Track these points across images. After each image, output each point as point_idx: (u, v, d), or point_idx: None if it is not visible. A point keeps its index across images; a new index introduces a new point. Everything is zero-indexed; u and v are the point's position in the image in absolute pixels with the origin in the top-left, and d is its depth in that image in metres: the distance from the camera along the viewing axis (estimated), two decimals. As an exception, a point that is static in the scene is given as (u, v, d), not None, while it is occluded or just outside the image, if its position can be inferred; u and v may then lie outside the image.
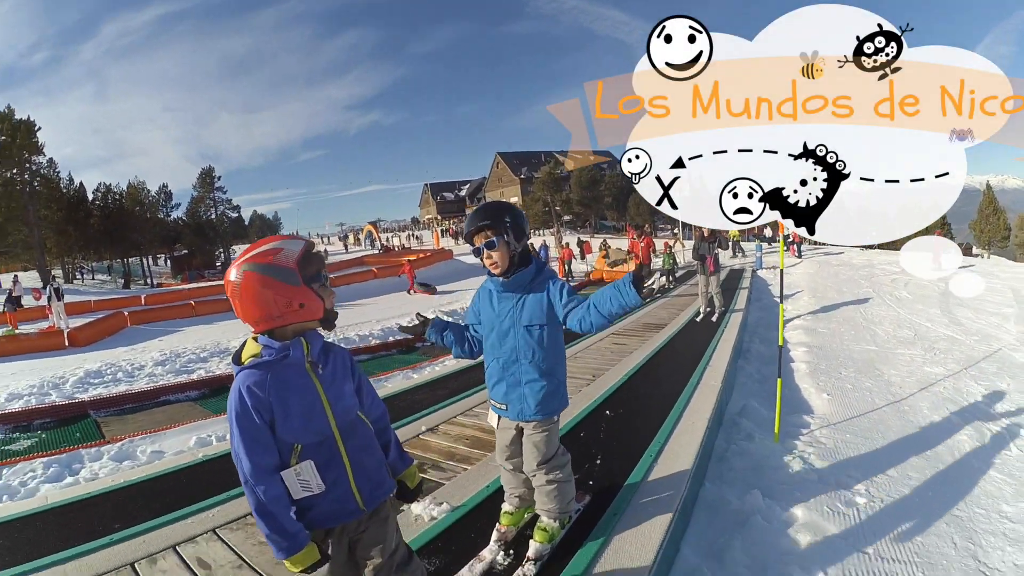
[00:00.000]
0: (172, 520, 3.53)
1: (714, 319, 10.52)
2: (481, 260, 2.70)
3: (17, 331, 18.79)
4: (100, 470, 5.95)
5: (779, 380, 4.96)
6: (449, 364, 9.34)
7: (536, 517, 2.89)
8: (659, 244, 30.60)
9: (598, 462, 3.85)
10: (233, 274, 1.83)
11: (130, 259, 53.55)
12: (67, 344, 15.75)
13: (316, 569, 1.85)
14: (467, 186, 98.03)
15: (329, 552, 1.91)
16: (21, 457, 6.62)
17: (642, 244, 17.07)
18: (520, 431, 2.82)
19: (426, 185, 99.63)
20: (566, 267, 26.90)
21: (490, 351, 2.82)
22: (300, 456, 1.83)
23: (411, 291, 24.64)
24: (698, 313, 11.21)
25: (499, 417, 2.90)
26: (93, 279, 49.18)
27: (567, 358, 2.95)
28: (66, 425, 8.38)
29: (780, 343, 5.28)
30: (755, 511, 3.50)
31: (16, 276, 28.11)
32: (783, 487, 3.92)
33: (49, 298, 20.05)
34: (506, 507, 3.01)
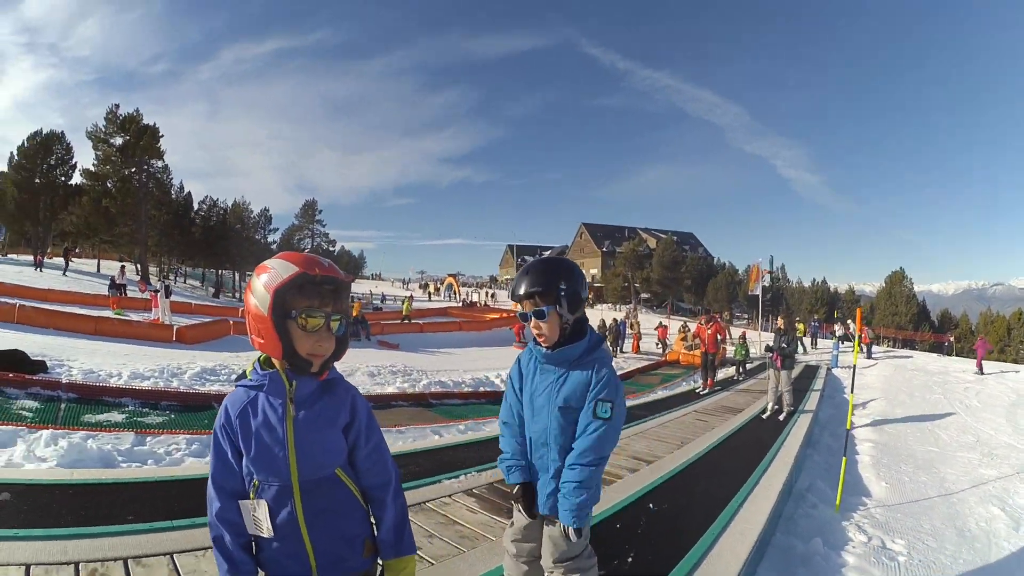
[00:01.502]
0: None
1: (781, 418, 10.31)
2: (527, 327, 2.48)
3: (123, 315, 20.78)
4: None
5: (844, 459, 6.06)
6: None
7: None
8: (736, 332, 31.34)
9: (634, 556, 3.72)
10: None
11: (222, 271, 56.75)
12: (174, 339, 17.47)
13: None
14: (549, 252, 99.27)
15: None
16: (165, 431, 7.40)
17: (709, 331, 16.05)
18: (541, 520, 2.54)
19: (509, 246, 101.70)
20: (661, 344, 28.09)
21: (526, 426, 2.56)
22: (258, 492, 1.74)
23: (517, 344, 26.78)
24: (765, 409, 10.95)
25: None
26: (185, 283, 51.95)
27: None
28: (192, 412, 9.15)
29: (848, 427, 6.38)
30: (816, 553, 4.58)
31: (123, 266, 30.35)
32: (839, 541, 4.96)
33: (157, 292, 22.00)
34: None
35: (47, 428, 6.51)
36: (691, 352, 24.99)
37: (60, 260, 40.06)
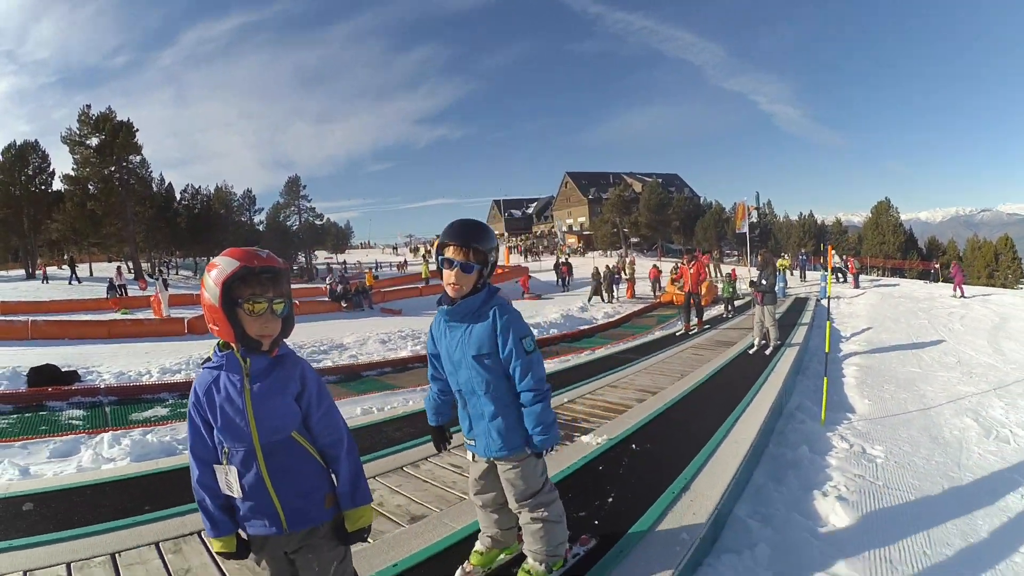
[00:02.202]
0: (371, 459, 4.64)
1: (767, 352, 10.37)
2: (441, 273, 2.57)
3: (130, 314, 21.44)
4: None
5: (825, 379, 6.67)
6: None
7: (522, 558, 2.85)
8: (725, 270, 31.83)
9: (610, 500, 3.77)
10: None
11: (213, 258, 56.95)
12: (186, 331, 17.94)
13: (234, 558, 2.08)
14: (535, 204, 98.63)
15: (254, 555, 2.10)
16: (170, 421, 7.94)
17: (691, 270, 15.31)
18: (493, 465, 2.73)
19: (494, 201, 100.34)
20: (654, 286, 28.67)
21: (452, 382, 2.73)
22: (228, 459, 1.98)
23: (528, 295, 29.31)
24: (751, 346, 11.06)
25: (471, 452, 2.82)
26: (177, 274, 52.03)
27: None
28: None
29: (827, 350, 6.96)
30: (803, 458, 5.18)
31: (119, 266, 31.45)
32: (824, 449, 5.56)
33: (156, 287, 22.83)
34: (477, 546, 2.97)
35: (105, 431, 6.95)
36: (683, 292, 25.25)
37: (52, 270, 41.05)
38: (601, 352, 12.83)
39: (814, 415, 6.72)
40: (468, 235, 2.47)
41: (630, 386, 7.80)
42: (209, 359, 2.04)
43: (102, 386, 9.98)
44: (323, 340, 15.25)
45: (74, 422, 8.21)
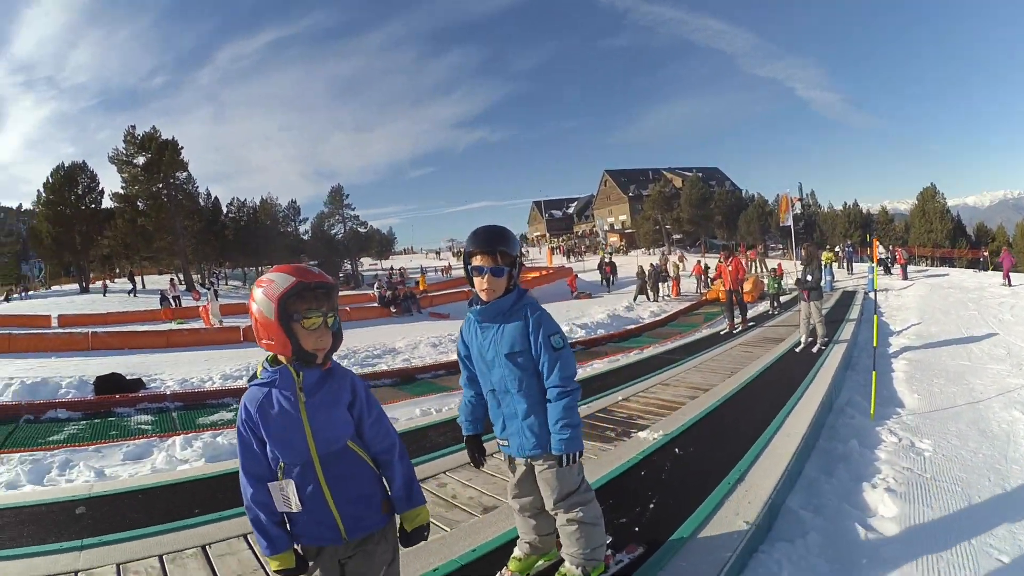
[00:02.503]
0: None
1: (814, 351, 10.21)
2: (471, 279, 2.67)
3: (185, 324, 22.29)
4: None
5: (874, 373, 6.85)
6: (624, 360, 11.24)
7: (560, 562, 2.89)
8: (771, 264, 31.57)
9: (669, 492, 3.98)
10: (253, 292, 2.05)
11: (262, 267, 57.68)
12: (242, 339, 18.45)
13: (292, 574, 2.07)
14: (575, 204, 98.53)
15: (310, 565, 2.11)
16: None
17: (729, 268, 14.94)
18: (530, 468, 2.78)
19: (535, 202, 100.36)
20: (700, 280, 28.68)
21: (483, 382, 2.79)
22: (284, 473, 2.01)
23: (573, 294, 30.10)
24: (798, 343, 10.90)
25: (506, 455, 2.88)
26: (227, 284, 53.26)
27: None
28: None
29: (875, 345, 7.12)
30: (853, 452, 5.40)
31: (173, 279, 32.84)
32: (873, 443, 5.75)
33: (209, 297, 24.11)
34: (516, 552, 3.03)
35: (176, 435, 7.35)
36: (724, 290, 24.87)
37: (102, 284, 43.28)
38: (650, 351, 12.98)
39: (863, 410, 6.89)
40: (493, 241, 2.58)
41: (681, 383, 8.08)
42: (255, 376, 2.09)
43: (168, 392, 10.44)
44: (375, 345, 15.66)
45: (143, 427, 8.64)
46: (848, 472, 4.97)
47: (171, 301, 28.83)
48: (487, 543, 3.39)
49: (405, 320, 24.35)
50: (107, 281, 42.47)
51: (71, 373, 11.68)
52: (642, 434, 5.49)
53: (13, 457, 6.69)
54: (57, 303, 32.16)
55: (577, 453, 2.60)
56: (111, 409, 9.51)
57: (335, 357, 2.21)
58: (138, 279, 44.78)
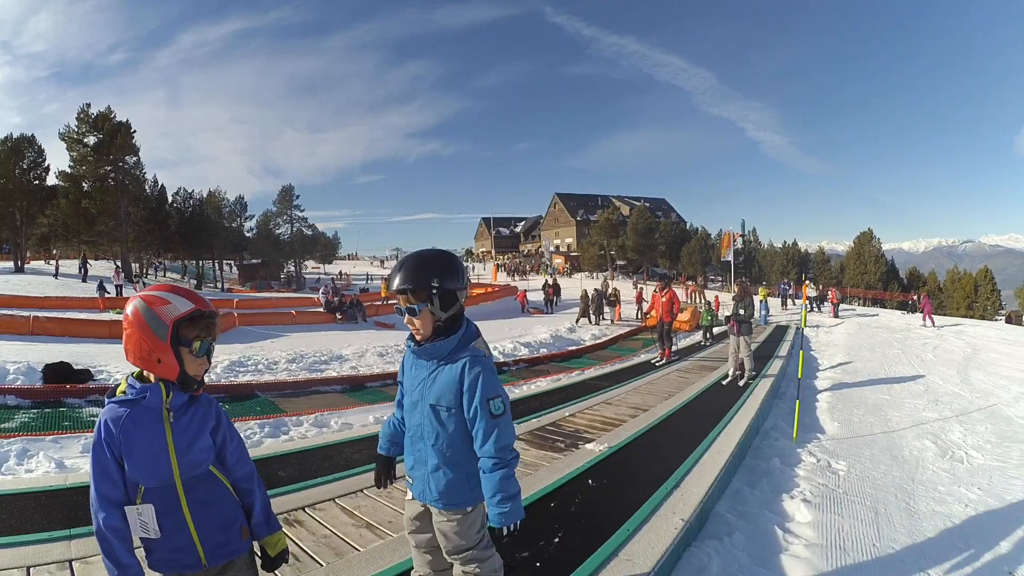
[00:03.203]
0: (300, 488, 4.69)
1: (741, 384, 10.39)
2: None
3: (120, 315, 21.85)
4: (304, 433, 7.81)
5: (797, 401, 7.46)
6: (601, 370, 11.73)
7: None
8: (709, 295, 32.60)
9: (614, 495, 4.40)
10: (131, 303, 1.99)
11: (202, 261, 57.29)
12: None
13: None
14: (523, 223, 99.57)
15: None
16: (241, 417, 8.36)
17: (664, 299, 14.35)
18: (428, 510, 2.60)
19: (483, 219, 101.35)
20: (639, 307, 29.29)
21: (406, 417, 2.61)
22: (143, 497, 1.92)
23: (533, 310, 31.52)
24: (726, 376, 11.02)
25: (409, 490, 2.67)
26: (165, 276, 52.54)
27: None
28: (241, 401, 10.02)
29: (799, 376, 7.74)
30: (775, 469, 5.95)
31: (118, 266, 32.38)
32: (794, 462, 6.32)
33: (138, 289, 23.03)
34: None
35: None
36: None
37: (39, 264, 42.71)
38: (592, 372, 13.47)
39: (787, 434, 7.47)
40: (401, 279, 2.39)
41: (623, 403, 8.57)
42: (115, 392, 2.02)
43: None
44: (322, 350, 15.74)
45: (96, 419, 8.60)
46: (770, 485, 5.51)
47: (107, 289, 28.41)
48: (389, 568, 3.30)
49: (350, 328, 24.31)
50: (59, 262, 40.84)
51: (15, 358, 11.53)
52: (589, 446, 5.94)
53: None
54: None
55: (517, 523, 2.38)
56: (61, 399, 9.38)
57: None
58: (71, 263, 43.49)
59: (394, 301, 2.53)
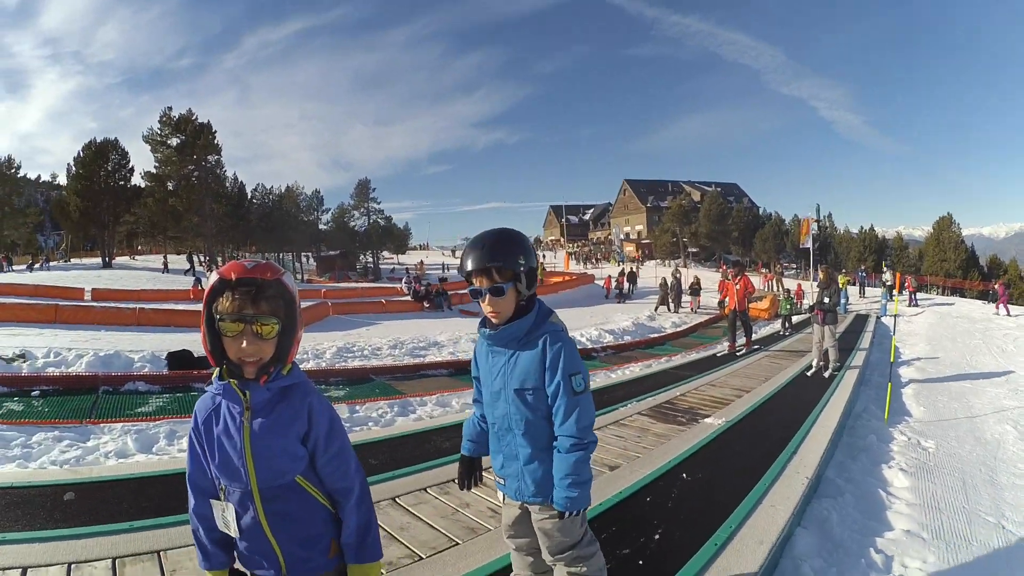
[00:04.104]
0: (390, 478, 4.78)
1: (826, 375, 10.29)
2: (479, 303, 2.33)
3: None
4: (431, 413, 8.45)
5: (889, 384, 8.26)
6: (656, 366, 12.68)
7: None
8: (791, 284, 32.63)
9: (741, 463, 5.17)
10: None
11: (282, 254, 59.32)
12: None
13: None
14: (591, 210, 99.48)
15: None
16: (369, 399, 8.99)
17: (738, 286, 13.85)
18: (526, 511, 2.48)
19: (552, 207, 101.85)
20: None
21: (487, 414, 2.48)
22: (225, 496, 1.79)
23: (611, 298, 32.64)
24: (809, 367, 10.87)
25: (502, 493, 2.56)
26: None
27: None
28: (359, 384, 10.55)
29: (892, 360, 8.52)
30: (871, 445, 6.81)
31: (217, 261, 33.68)
32: (887, 439, 7.15)
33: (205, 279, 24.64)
34: None
35: None
36: (749, 306, 24.22)
37: (125, 260, 46.06)
38: (679, 359, 14.28)
39: (878, 416, 8.26)
40: (484, 256, 2.23)
41: (726, 385, 9.49)
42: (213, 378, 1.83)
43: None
44: (418, 337, 16.58)
45: None
46: (868, 458, 6.38)
47: (202, 283, 29.60)
48: (486, 565, 3.27)
49: (437, 316, 25.39)
50: (166, 258, 43.77)
51: (128, 347, 12.20)
52: (708, 420, 6.92)
53: (115, 427, 7.07)
54: (84, 276, 32.95)
55: (580, 511, 2.30)
56: (189, 384, 9.82)
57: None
58: (157, 258, 46.53)
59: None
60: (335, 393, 9.77)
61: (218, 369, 1.78)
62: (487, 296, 2.25)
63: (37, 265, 41.70)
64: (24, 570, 3.01)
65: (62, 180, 51.29)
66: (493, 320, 2.31)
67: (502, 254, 2.24)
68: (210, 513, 1.84)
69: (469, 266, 2.26)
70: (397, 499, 4.26)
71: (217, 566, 1.88)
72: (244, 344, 1.69)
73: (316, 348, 13.97)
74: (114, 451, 6.22)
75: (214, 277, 1.72)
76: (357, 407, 8.40)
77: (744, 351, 14.01)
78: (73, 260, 49.78)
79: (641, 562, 3.38)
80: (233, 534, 1.81)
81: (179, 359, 11.12)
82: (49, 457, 5.95)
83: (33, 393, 8.53)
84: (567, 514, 2.27)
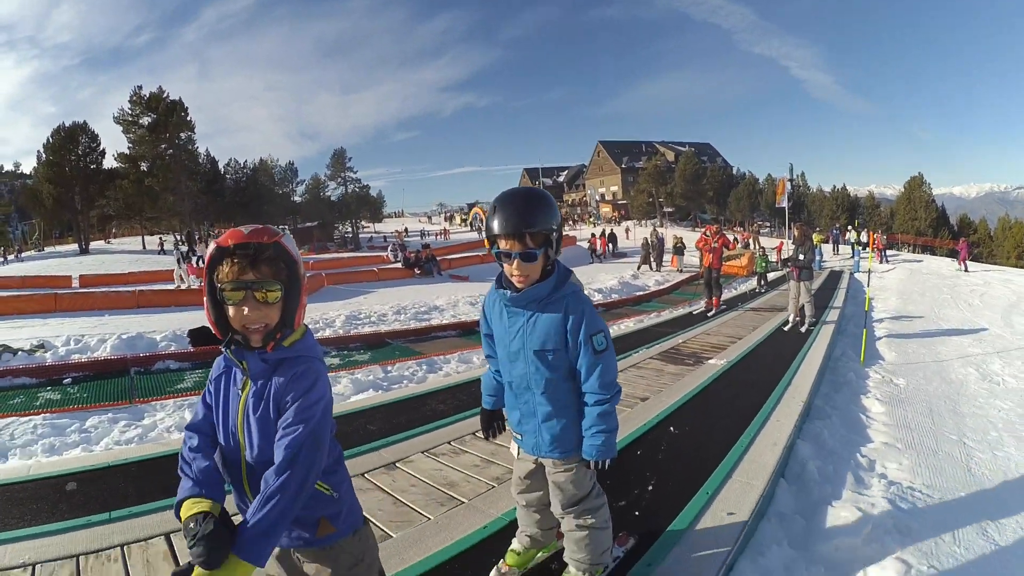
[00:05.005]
0: (416, 434, 5.04)
1: (802, 330, 10.69)
2: (501, 265, 2.27)
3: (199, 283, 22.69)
4: (456, 369, 8.99)
5: (864, 330, 9.27)
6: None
7: (562, 564, 2.67)
8: (770, 243, 33.61)
9: (750, 393, 6.17)
10: None
11: (258, 228, 59.59)
12: None
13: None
14: (565, 172, 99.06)
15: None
16: (395, 360, 9.41)
17: (715, 244, 13.82)
18: (540, 465, 2.53)
19: (524, 170, 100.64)
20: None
21: (503, 371, 2.49)
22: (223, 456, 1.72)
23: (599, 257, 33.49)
24: (786, 322, 11.26)
25: (517, 446, 2.60)
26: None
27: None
28: (378, 348, 10.84)
29: (867, 308, 9.49)
30: (851, 380, 7.80)
31: (201, 238, 34.83)
32: (863, 376, 8.14)
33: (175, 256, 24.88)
34: (514, 544, 2.81)
35: None
36: (726, 263, 24.19)
37: (100, 244, 45.77)
38: (667, 315, 15.04)
39: (855, 359, 9.20)
40: (519, 220, 2.13)
41: (719, 333, 10.50)
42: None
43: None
44: (417, 303, 17.01)
45: None
46: (849, 391, 7.37)
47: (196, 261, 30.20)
48: (491, 524, 3.35)
49: (428, 282, 25.91)
50: (162, 241, 44.06)
51: (138, 329, 12.08)
52: (711, 361, 7.91)
53: (167, 403, 7.28)
54: (67, 264, 33.02)
55: (608, 460, 2.34)
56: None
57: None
58: (134, 240, 46.81)
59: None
60: (359, 357, 10.09)
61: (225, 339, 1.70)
62: (516, 261, 2.17)
63: (12, 256, 41.30)
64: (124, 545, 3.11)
65: (25, 169, 50.37)
66: (518, 285, 2.25)
67: (538, 218, 2.15)
68: (204, 449, 1.72)
69: (499, 229, 2.16)
70: (452, 442, 4.78)
71: (197, 494, 1.60)
72: (247, 311, 1.63)
73: (325, 317, 14.41)
74: (173, 425, 6.35)
75: (212, 246, 1.65)
76: (389, 368, 8.86)
77: (713, 311, 13.94)
78: (47, 249, 49.22)
79: (695, 450, 4.53)
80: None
81: (202, 335, 11.45)
82: (111, 438, 6.06)
83: (65, 381, 8.49)
84: (594, 465, 2.34)
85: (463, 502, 3.67)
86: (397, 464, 4.33)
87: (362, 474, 4.09)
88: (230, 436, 1.71)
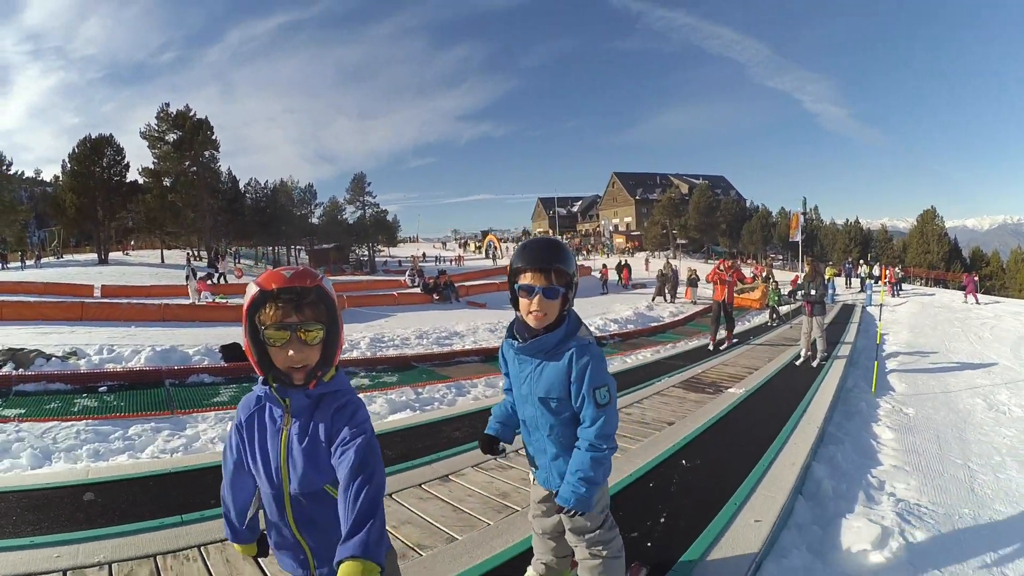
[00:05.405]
0: (464, 450, 5.35)
1: (814, 364, 10.76)
2: (515, 300, 2.33)
3: (224, 300, 23.19)
4: (484, 393, 9.21)
5: (876, 362, 9.72)
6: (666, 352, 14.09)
7: None
8: (786, 276, 33.82)
9: (764, 422, 6.49)
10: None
11: (277, 248, 60.43)
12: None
13: (259, 556, 2.02)
14: (579, 202, 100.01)
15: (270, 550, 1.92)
16: (425, 383, 9.65)
17: (729, 278, 13.90)
18: (553, 495, 2.48)
19: (539, 199, 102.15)
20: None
21: (518, 409, 2.56)
22: (261, 501, 1.86)
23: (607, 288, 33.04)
24: (798, 356, 11.31)
25: (532, 476, 2.69)
26: (239, 263, 55.46)
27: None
28: (404, 371, 11.04)
29: (878, 341, 9.91)
30: (863, 409, 8.24)
31: (226, 256, 35.52)
32: (875, 406, 8.56)
33: (187, 273, 25.06)
34: (530, 572, 2.88)
35: None
36: (740, 296, 24.57)
37: (119, 255, 46.19)
38: (683, 346, 15.51)
39: (866, 390, 9.63)
40: (549, 256, 2.25)
41: (736, 364, 10.97)
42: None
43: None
44: (438, 328, 17.25)
45: None
46: (861, 419, 7.82)
47: (218, 278, 30.97)
48: (502, 552, 3.40)
49: (447, 307, 26.23)
50: (190, 256, 44.51)
51: (164, 343, 12.12)
52: (730, 390, 8.38)
53: (208, 415, 7.46)
54: (86, 273, 33.17)
55: (582, 512, 2.35)
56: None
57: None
58: (153, 253, 47.31)
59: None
60: (387, 379, 10.31)
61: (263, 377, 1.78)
62: (538, 295, 2.23)
63: (31, 262, 41.78)
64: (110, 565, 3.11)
65: (46, 176, 51.09)
66: (533, 323, 2.30)
67: (564, 259, 2.27)
68: (240, 496, 1.90)
69: (528, 261, 2.27)
70: (497, 458, 4.78)
71: (242, 541, 1.96)
72: (291, 352, 1.70)
73: (349, 339, 14.38)
74: (216, 437, 6.45)
75: (253, 289, 1.71)
76: (420, 390, 9.07)
77: (726, 345, 13.78)
78: (65, 256, 50.06)
79: (720, 468, 4.95)
80: (262, 527, 1.95)
81: (233, 352, 11.78)
82: (155, 447, 6.13)
83: (100, 388, 8.56)
84: (567, 511, 2.33)
85: (517, 510, 4.02)
86: (450, 476, 4.71)
87: (420, 485, 4.47)
88: (272, 472, 1.78)
